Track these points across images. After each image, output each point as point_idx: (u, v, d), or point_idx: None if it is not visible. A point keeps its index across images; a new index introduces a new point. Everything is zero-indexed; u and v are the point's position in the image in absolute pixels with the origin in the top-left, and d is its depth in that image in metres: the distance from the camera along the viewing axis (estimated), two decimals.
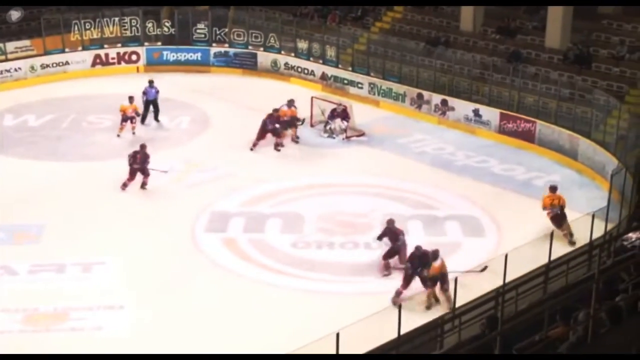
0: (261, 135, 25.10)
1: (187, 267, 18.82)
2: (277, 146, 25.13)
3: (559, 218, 19.81)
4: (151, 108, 27.34)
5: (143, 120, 27.16)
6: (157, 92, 27.42)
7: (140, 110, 26.72)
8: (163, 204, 21.82)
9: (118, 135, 26.09)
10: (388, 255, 18.42)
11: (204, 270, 18.69)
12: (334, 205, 21.75)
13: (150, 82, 27.50)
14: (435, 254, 16.81)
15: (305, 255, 19.37)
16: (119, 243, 19.69)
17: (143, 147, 22.43)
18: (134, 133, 26.11)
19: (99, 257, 19.00)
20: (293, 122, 25.80)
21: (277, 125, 25.08)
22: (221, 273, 18.64)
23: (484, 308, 15.02)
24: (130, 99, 26.22)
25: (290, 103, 25.85)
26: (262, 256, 19.26)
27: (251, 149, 24.98)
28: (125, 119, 26.13)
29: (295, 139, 25.87)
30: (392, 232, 18.53)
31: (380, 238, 18.73)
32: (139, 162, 22.16)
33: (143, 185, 22.36)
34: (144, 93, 27.31)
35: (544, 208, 19.96)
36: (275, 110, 25.28)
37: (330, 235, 20.20)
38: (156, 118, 27.51)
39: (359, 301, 16.97)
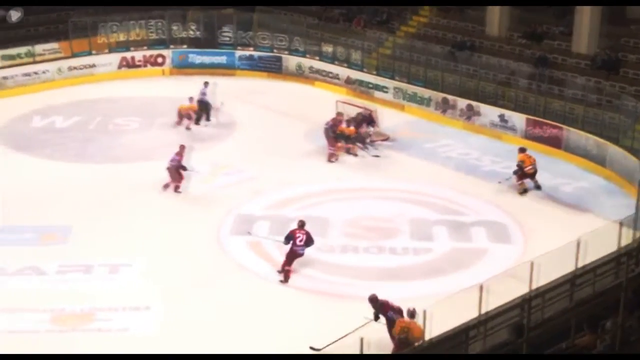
0: (332, 143, 24.97)
1: (212, 269, 18.89)
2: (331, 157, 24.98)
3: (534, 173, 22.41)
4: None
5: (198, 121, 27.55)
6: (204, 94, 27.87)
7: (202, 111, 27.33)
8: (189, 206, 21.91)
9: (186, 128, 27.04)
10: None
11: (229, 273, 18.74)
12: (359, 210, 21.75)
13: (206, 84, 27.98)
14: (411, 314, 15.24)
15: (330, 259, 19.36)
16: (145, 244, 19.80)
17: (182, 148, 22.61)
18: (188, 128, 26.90)
19: (125, 258, 19.12)
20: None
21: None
22: (246, 275, 18.69)
23: (510, 315, 14.94)
24: (190, 99, 26.89)
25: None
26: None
27: (331, 161, 24.86)
28: (181, 116, 26.84)
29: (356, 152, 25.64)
30: (381, 309, 15.93)
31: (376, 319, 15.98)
32: (178, 163, 22.32)
33: (176, 188, 22.50)
34: (203, 94, 27.76)
35: (526, 166, 22.47)
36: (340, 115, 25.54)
37: (355, 239, 20.20)
38: (208, 118, 27.92)
39: None
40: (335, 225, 20.85)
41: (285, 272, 18.28)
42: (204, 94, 27.73)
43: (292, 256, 18.25)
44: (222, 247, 19.89)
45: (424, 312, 13.94)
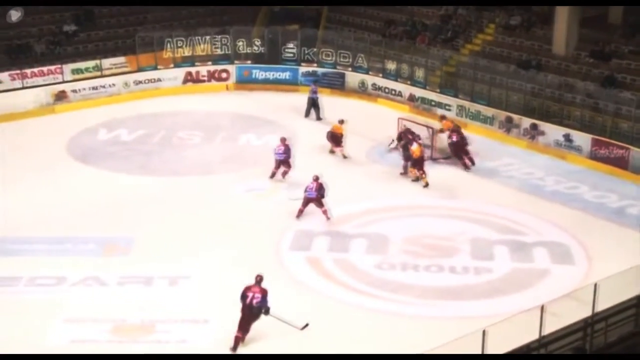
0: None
1: (271, 284, 18.75)
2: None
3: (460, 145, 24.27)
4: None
5: (307, 115, 29.78)
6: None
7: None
8: (249, 221, 22.00)
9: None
10: None
11: (287, 288, 18.72)
12: (420, 228, 21.61)
13: (315, 83, 30.02)
14: None
15: (390, 276, 19.25)
16: (205, 258, 19.94)
17: (283, 140, 24.32)
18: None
19: (185, 271, 19.28)
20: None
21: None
22: (304, 291, 18.68)
23: (571, 338, 14.66)
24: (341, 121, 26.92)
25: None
26: (346, 276, 19.23)
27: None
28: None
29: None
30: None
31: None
32: (282, 154, 24.04)
33: (284, 174, 24.21)
34: (314, 92, 29.96)
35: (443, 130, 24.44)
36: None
37: (415, 257, 20.05)
38: (318, 117, 29.41)
39: (443, 325, 16.81)
40: (395, 242, 20.74)
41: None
42: (314, 92, 29.48)
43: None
44: (281, 263, 19.91)
45: (483, 332, 13.75)
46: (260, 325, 17.00)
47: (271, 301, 17.95)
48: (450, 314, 17.71)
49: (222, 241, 20.80)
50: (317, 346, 16.26)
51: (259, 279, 16.64)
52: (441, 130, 26.47)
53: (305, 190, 21.90)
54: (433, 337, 15.14)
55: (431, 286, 18.87)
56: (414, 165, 24.30)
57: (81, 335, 16.73)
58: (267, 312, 16.33)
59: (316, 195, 21.77)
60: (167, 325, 17.11)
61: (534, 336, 15.00)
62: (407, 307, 17.98)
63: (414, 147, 24.21)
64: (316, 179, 21.88)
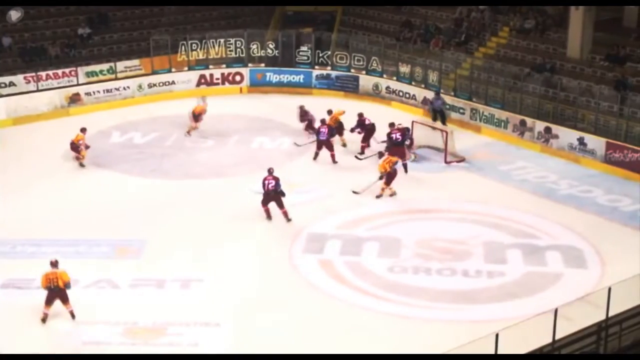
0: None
1: (283, 287, 18.91)
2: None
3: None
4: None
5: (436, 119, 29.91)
6: (443, 103, 29.87)
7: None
8: (261, 224, 22.00)
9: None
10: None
11: (299, 291, 18.72)
12: (432, 231, 21.53)
13: (437, 94, 29.88)
14: None
15: (402, 280, 19.19)
16: (217, 261, 19.94)
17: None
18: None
19: (197, 274, 19.27)
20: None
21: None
22: (316, 294, 18.63)
23: (585, 342, 14.57)
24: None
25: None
26: (358, 279, 19.17)
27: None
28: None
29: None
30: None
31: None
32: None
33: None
34: (431, 102, 30.03)
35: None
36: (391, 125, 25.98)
37: (427, 260, 19.98)
38: (443, 123, 29.47)
39: (456, 328, 16.74)
40: (407, 245, 20.66)
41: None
42: (438, 100, 29.74)
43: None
44: (294, 266, 19.88)
45: (496, 335, 13.68)
46: (270, 325, 17.04)
47: (283, 304, 18.06)
48: (463, 318, 17.63)
49: (234, 244, 20.80)
50: (329, 348, 16.22)
51: (271, 170, 21.86)
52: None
53: (318, 133, 25.35)
54: (445, 341, 15.10)
55: (444, 289, 18.79)
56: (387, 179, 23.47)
57: (93, 337, 16.75)
58: (282, 193, 21.62)
59: (327, 138, 25.30)
60: (178, 328, 17.09)
61: (547, 340, 14.94)
62: (419, 311, 17.91)
63: (381, 162, 23.51)
64: (323, 121, 25.57)
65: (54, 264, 17.19)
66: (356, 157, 26.27)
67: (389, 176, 23.16)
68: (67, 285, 17.08)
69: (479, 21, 33.67)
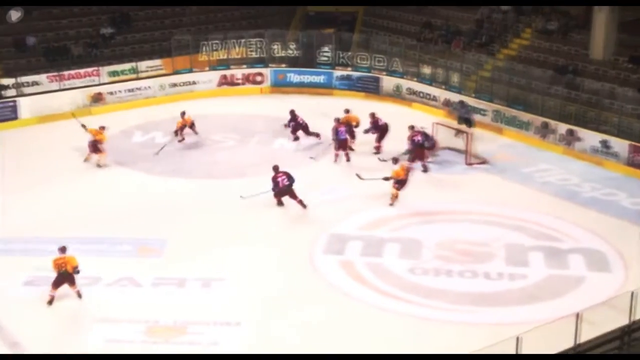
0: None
1: (304, 287, 18.91)
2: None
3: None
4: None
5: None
6: (468, 111, 29.67)
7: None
8: (283, 224, 22.04)
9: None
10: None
11: (320, 292, 18.71)
12: (454, 233, 21.46)
13: (461, 103, 29.94)
14: None
15: (423, 281, 19.14)
16: (238, 260, 19.98)
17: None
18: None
19: (218, 273, 19.31)
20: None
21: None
22: (337, 295, 18.62)
23: (608, 347, 14.47)
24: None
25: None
26: (379, 280, 19.14)
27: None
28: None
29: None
30: None
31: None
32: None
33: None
34: (456, 109, 30.02)
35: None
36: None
37: (448, 262, 19.92)
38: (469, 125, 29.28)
39: (477, 331, 16.69)
40: (428, 247, 20.62)
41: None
42: (462, 108, 29.68)
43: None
44: (315, 266, 19.88)
45: (517, 338, 13.63)
46: (290, 325, 17.06)
47: (304, 304, 18.07)
48: (484, 320, 17.57)
49: (255, 244, 20.83)
50: (348, 349, 16.21)
51: (277, 168, 22.41)
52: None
53: (337, 132, 25.74)
54: (466, 343, 15.06)
55: (465, 292, 18.72)
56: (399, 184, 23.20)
57: (116, 335, 16.84)
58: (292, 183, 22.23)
59: (346, 137, 25.79)
60: (199, 327, 17.15)
61: (569, 344, 14.87)
62: (440, 313, 17.85)
63: (397, 168, 23.31)
64: (338, 120, 26.08)
65: (62, 249, 17.78)
66: (379, 158, 26.22)
67: (401, 182, 22.99)
68: (75, 270, 17.60)
69: (500, 22, 33.54)
